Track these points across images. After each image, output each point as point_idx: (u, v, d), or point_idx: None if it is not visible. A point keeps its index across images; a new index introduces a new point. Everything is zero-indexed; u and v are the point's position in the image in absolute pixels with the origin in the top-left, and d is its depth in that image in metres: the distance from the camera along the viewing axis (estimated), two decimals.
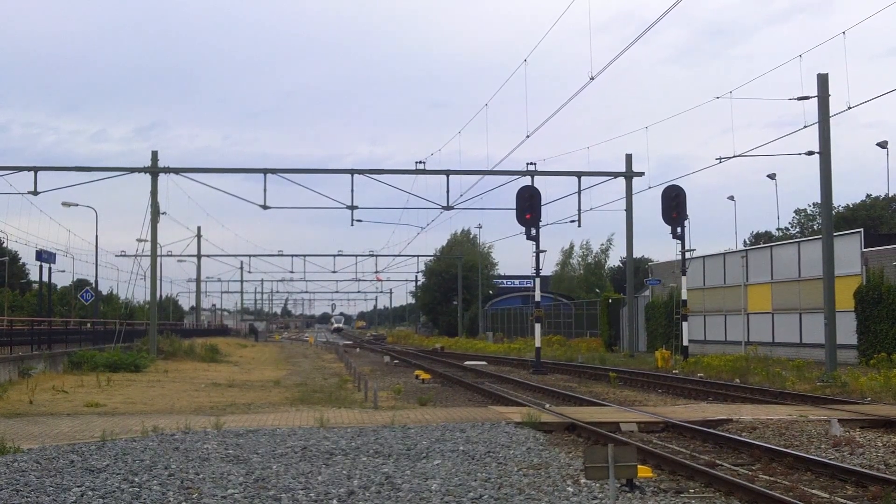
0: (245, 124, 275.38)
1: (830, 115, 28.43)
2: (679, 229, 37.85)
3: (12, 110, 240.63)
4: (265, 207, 43.99)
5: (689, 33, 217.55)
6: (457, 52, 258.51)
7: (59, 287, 71.88)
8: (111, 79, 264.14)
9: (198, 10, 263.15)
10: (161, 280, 66.62)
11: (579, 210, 45.48)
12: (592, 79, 28.92)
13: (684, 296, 38.28)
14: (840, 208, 67.93)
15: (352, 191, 44.67)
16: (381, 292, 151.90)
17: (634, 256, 51.89)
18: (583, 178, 45.44)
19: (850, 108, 26.77)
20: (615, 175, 46.71)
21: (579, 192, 45.17)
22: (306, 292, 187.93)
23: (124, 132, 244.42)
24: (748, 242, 73.27)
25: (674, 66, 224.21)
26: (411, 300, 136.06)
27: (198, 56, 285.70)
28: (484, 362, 44.93)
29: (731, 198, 63.42)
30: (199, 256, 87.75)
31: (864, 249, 37.27)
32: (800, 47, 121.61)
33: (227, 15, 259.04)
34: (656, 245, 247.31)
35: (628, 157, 46.52)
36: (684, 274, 38.55)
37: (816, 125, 28.50)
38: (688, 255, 39.77)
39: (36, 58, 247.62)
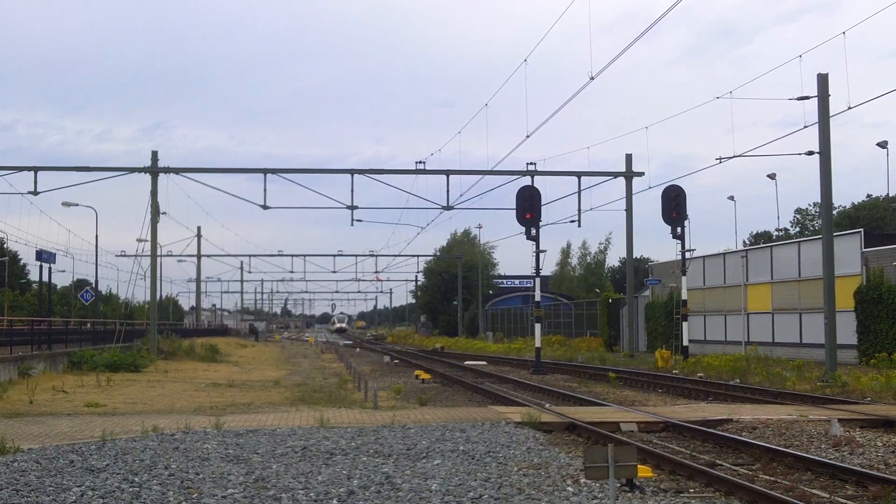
0: (250, 124, 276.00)
1: (831, 115, 28.45)
2: (679, 229, 37.84)
3: (17, 110, 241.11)
4: (265, 207, 44.02)
5: (695, 33, 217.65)
6: (462, 52, 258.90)
7: (59, 287, 71.93)
8: (116, 78, 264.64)
9: (204, 10, 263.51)
10: (161, 280, 66.73)
11: (579, 210, 45.54)
12: (592, 78, 28.94)
13: (684, 296, 38.26)
14: (845, 206, 67.94)
15: (352, 191, 44.74)
16: (381, 292, 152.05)
17: (635, 256, 51.91)
18: (583, 178, 45.46)
19: (850, 108, 26.84)
20: (615, 175, 46.73)
21: (579, 192, 45.22)
22: (306, 292, 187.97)
23: (129, 132, 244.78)
24: (748, 243, 73.29)
25: (680, 66, 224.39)
26: (411, 300, 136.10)
27: (203, 56, 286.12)
28: (484, 362, 44.93)
29: (731, 198, 63.53)
30: (199, 256, 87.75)
31: (864, 249, 37.27)
32: (807, 48, 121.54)
33: (232, 15, 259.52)
34: (656, 245, 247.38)
35: (628, 157, 46.56)
36: (684, 274, 38.53)
37: (816, 125, 28.51)
38: (688, 255, 39.76)
39: (41, 57, 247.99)
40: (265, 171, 44.04)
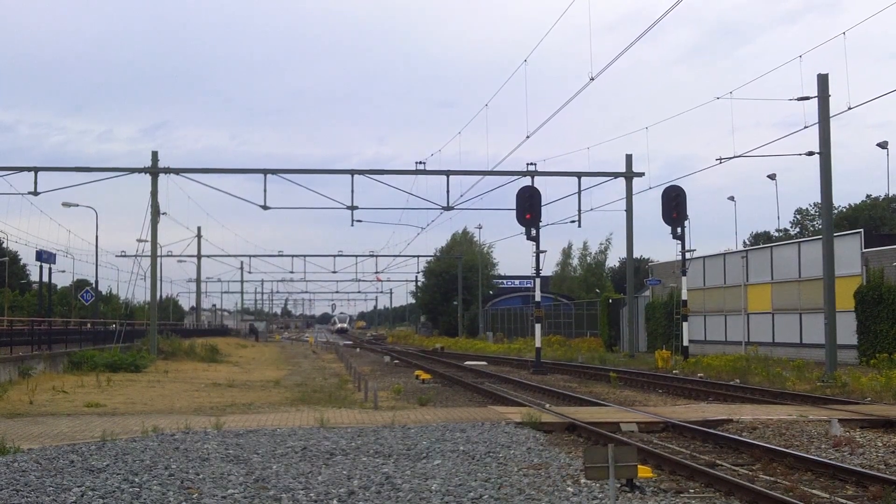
0: (252, 125, 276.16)
1: (831, 115, 28.45)
2: (679, 229, 37.88)
3: (20, 110, 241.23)
4: (265, 208, 44.02)
5: (698, 33, 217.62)
6: (462, 52, 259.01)
7: (59, 287, 71.92)
8: (118, 79, 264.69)
9: (205, 11, 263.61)
10: (161, 280, 66.71)
11: (579, 210, 45.54)
12: (592, 79, 28.95)
13: (684, 296, 38.27)
14: (843, 208, 67.89)
15: (352, 191, 44.77)
16: (382, 292, 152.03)
17: (635, 256, 51.90)
18: (583, 178, 45.46)
19: (850, 108, 26.81)
20: (615, 175, 46.72)
21: (579, 193, 45.22)
22: (306, 292, 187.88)
23: (131, 132, 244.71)
24: (748, 243, 73.29)
25: (681, 66, 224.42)
26: (411, 300, 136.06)
27: (204, 56, 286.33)
28: (484, 362, 44.93)
29: (732, 198, 63.60)
30: (199, 256, 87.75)
31: (864, 250, 37.27)
32: (809, 48, 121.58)
33: (234, 16, 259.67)
34: (656, 245, 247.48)
35: (628, 158, 46.56)
36: (684, 274, 38.54)
37: (816, 125, 28.51)
38: (688, 255, 39.77)
39: (43, 58, 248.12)
40: (265, 172, 44.04)
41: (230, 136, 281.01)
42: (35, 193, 42.48)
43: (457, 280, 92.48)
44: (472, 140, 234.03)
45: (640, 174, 46.32)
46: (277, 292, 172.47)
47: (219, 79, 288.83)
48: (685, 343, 37.93)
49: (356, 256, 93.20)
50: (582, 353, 49.05)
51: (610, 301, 57.89)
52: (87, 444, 14.43)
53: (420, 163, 43.51)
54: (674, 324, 44.20)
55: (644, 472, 11.20)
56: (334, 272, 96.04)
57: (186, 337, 59.45)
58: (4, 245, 65.43)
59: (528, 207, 36.48)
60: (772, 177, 61.45)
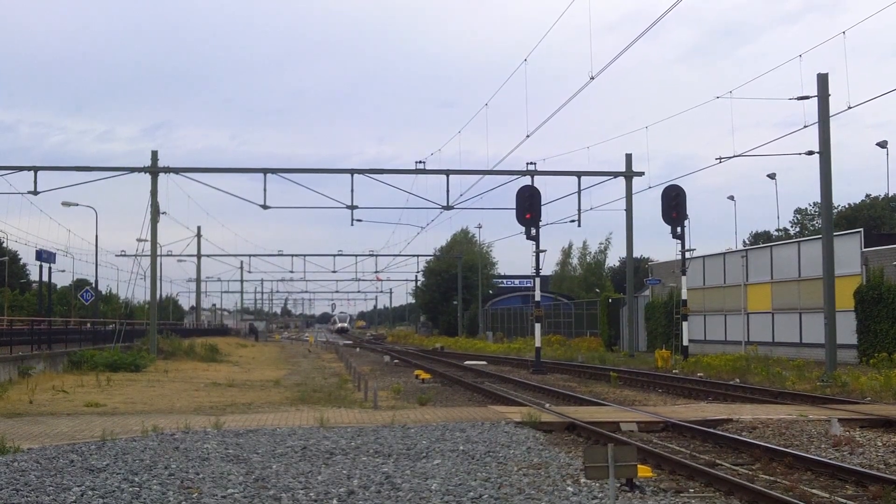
0: (252, 124, 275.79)
1: (831, 115, 28.46)
2: (679, 229, 37.87)
3: (20, 110, 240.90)
4: (265, 207, 44.03)
5: (698, 33, 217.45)
6: (462, 52, 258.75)
7: (58, 287, 71.87)
8: (119, 79, 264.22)
9: (206, 10, 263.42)
10: (161, 280, 66.71)
11: (579, 210, 45.55)
12: (593, 78, 29.01)
13: (684, 295, 38.27)
14: (842, 207, 67.89)
15: (352, 190, 44.79)
16: (381, 292, 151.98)
17: (635, 256, 51.90)
18: (583, 177, 45.47)
19: (850, 107, 26.86)
20: (615, 175, 46.75)
21: (579, 192, 45.23)
22: (306, 292, 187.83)
23: (131, 132, 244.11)
24: (748, 242, 73.26)
25: (682, 65, 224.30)
26: (411, 300, 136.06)
27: (205, 56, 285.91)
28: (484, 362, 44.93)
29: (731, 198, 63.62)
30: (199, 256, 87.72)
31: (864, 249, 37.27)
32: (809, 47, 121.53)
33: (233, 15, 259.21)
34: (656, 245, 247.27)
35: (628, 157, 46.59)
36: (684, 274, 38.54)
37: (816, 125, 28.52)
38: (688, 254, 39.76)
39: (43, 58, 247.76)
40: (265, 171, 44.05)
41: (230, 136, 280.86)
42: (35, 193, 42.50)
43: (456, 279, 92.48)
44: (472, 140, 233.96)
45: (640, 174, 46.42)
46: (277, 292, 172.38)
47: (219, 79, 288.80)
48: (685, 343, 37.93)
49: (356, 256, 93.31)
50: (582, 352, 49.06)
51: (610, 301, 57.90)
52: (87, 443, 14.44)
53: (420, 162, 43.59)
54: (674, 323, 44.20)
55: (644, 471, 11.21)
56: (334, 272, 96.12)
57: (186, 336, 59.43)
58: (4, 244, 65.41)
59: (528, 207, 36.47)
60: (772, 176, 61.58)
